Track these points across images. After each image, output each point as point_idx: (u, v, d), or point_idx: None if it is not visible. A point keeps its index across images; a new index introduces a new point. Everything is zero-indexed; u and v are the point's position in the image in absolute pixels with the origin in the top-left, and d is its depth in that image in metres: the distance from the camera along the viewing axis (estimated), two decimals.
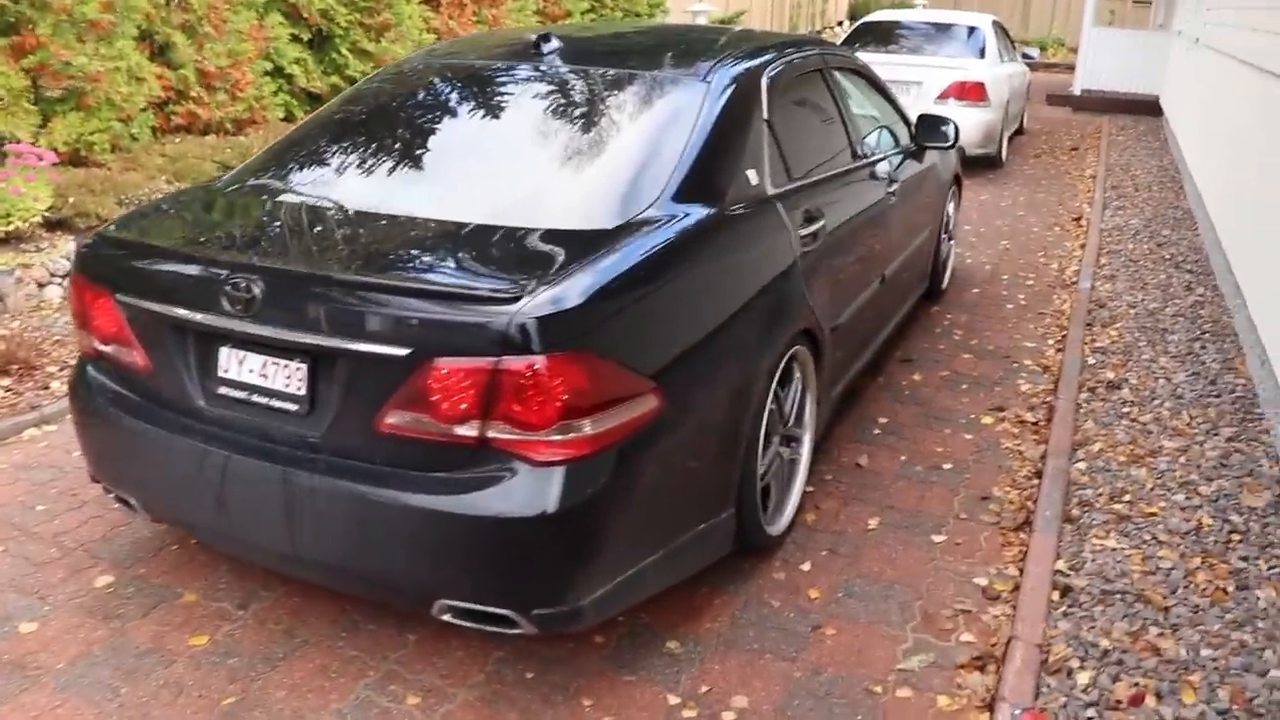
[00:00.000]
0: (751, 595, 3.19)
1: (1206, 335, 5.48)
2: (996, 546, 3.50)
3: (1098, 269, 6.77)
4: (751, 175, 3.19)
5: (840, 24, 25.77)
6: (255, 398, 2.66)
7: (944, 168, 5.66)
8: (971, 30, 10.45)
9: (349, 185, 3.17)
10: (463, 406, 2.37)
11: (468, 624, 2.59)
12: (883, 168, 4.42)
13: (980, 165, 10.38)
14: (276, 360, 2.61)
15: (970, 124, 9.56)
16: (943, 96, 9.61)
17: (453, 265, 2.61)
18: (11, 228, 5.69)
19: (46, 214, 5.92)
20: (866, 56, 10.13)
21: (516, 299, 2.34)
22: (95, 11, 6.40)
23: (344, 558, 2.62)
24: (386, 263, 2.63)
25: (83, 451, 3.16)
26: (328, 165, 3.29)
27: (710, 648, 2.95)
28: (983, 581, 3.28)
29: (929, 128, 5.01)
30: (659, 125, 3.17)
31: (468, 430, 2.40)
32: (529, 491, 2.40)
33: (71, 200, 6.09)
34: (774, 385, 3.16)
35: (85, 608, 3.10)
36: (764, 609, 3.13)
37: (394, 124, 3.43)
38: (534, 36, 3.66)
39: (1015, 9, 28.41)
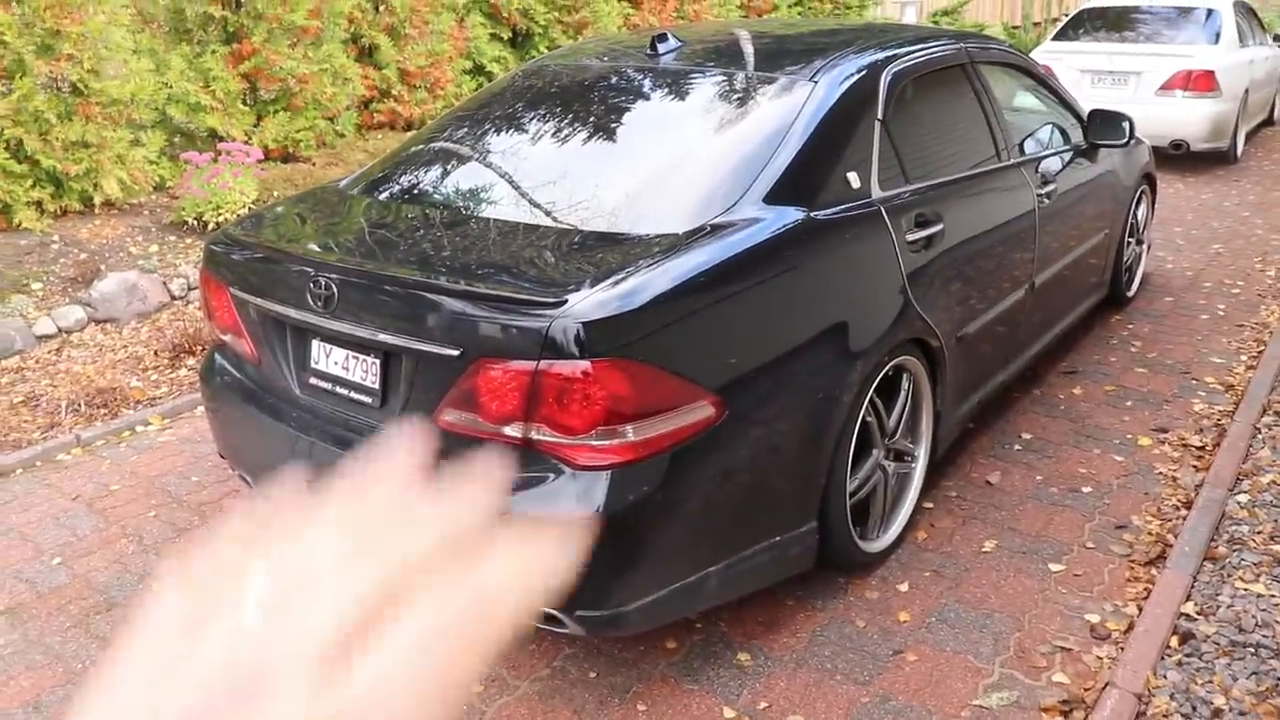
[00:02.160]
0: (837, 613, 3.07)
1: None
2: (1120, 581, 3.21)
3: None
4: (853, 178, 3.06)
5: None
6: (338, 389, 2.80)
7: (1128, 166, 5.22)
8: (1208, 13, 9.57)
9: (442, 187, 3.28)
10: (508, 408, 2.41)
11: None
12: (1035, 168, 4.13)
13: (1209, 161, 9.51)
14: (356, 354, 2.74)
15: (1196, 117, 8.80)
16: (1166, 87, 8.86)
17: (511, 267, 2.65)
18: (221, 218, 6.20)
19: (253, 206, 6.42)
20: (1083, 45, 9.56)
21: (561, 303, 2.35)
22: (304, 19, 6.87)
23: None
24: (449, 264, 2.69)
25: (211, 430, 3.41)
26: (430, 168, 3.41)
27: (781, 663, 2.86)
28: (1094, 618, 3.03)
29: (1101, 125, 4.64)
30: (753, 127, 3.08)
31: (513, 431, 2.43)
32: (570, 494, 2.40)
33: (275, 194, 6.57)
34: (870, 397, 3.02)
35: None
36: (847, 628, 3.00)
37: (496, 127, 3.50)
38: (651, 38, 3.64)
39: None
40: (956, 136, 3.75)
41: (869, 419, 3.09)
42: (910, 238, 3.18)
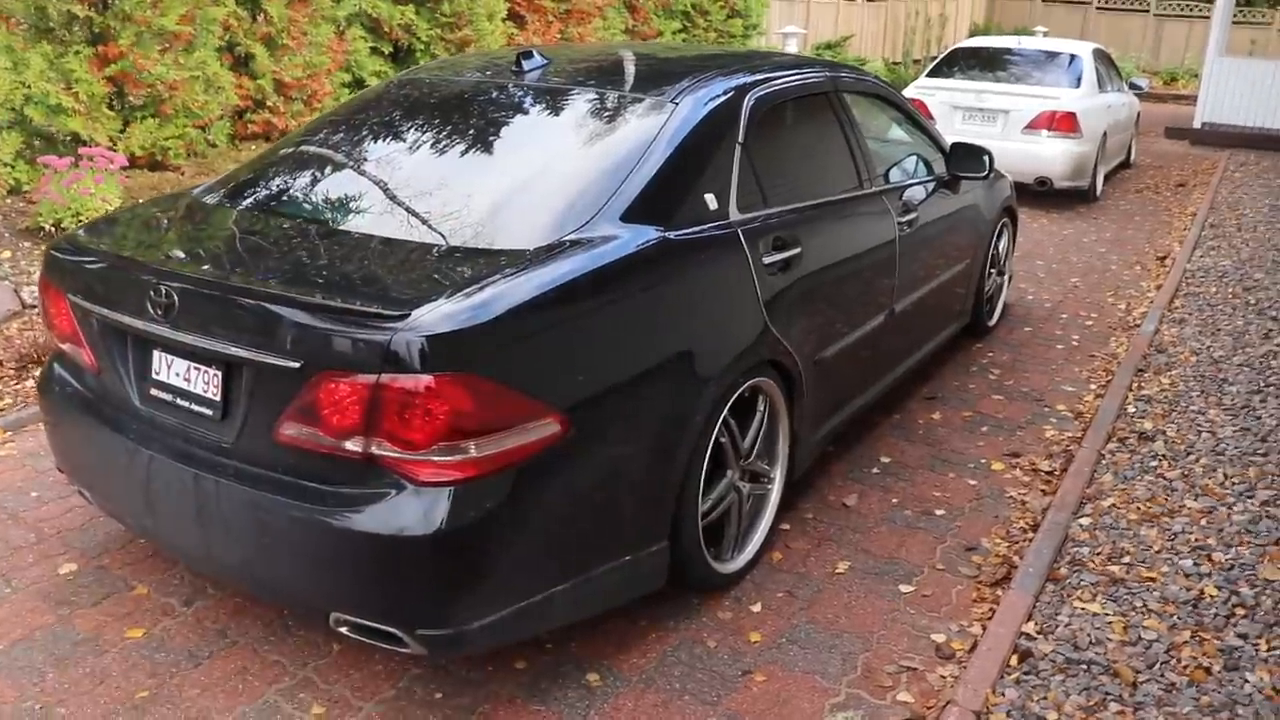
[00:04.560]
0: (689, 633, 3.05)
1: (1271, 388, 5.08)
2: (967, 602, 3.28)
3: (1169, 311, 6.37)
4: (710, 199, 3.07)
5: None
6: (179, 400, 2.68)
7: (990, 199, 5.39)
8: (1071, 58, 10.00)
9: (299, 196, 3.19)
10: (348, 422, 2.34)
11: (362, 639, 2.54)
12: (896, 198, 4.22)
13: (1072, 199, 9.91)
14: (197, 365, 2.63)
15: (1059, 156, 9.16)
16: (1031, 126, 9.21)
17: (354, 280, 2.57)
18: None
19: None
20: (955, 83, 9.89)
21: (403, 316, 2.29)
22: (175, 23, 6.65)
23: (247, 564, 2.60)
24: (295, 274, 2.60)
25: (49, 444, 3.23)
26: (290, 176, 3.31)
27: (630, 684, 2.83)
28: (940, 638, 3.07)
29: (963, 157, 4.77)
30: (612, 145, 3.07)
31: (354, 445, 2.36)
32: (412, 510, 2.34)
33: (140, 202, 6.32)
34: (724, 418, 3.02)
35: (42, 593, 3.17)
36: (698, 648, 2.99)
37: (362, 137, 3.42)
38: (516, 54, 3.62)
39: (1146, 38, 27.22)
40: (818, 162, 3.81)
41: (723, 440, 3.09)
42: (767, 260, 3.21)
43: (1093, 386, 5.15)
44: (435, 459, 2.32)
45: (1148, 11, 28.21)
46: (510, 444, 2.38)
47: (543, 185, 2.98)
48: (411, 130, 3.35)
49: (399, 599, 2.41)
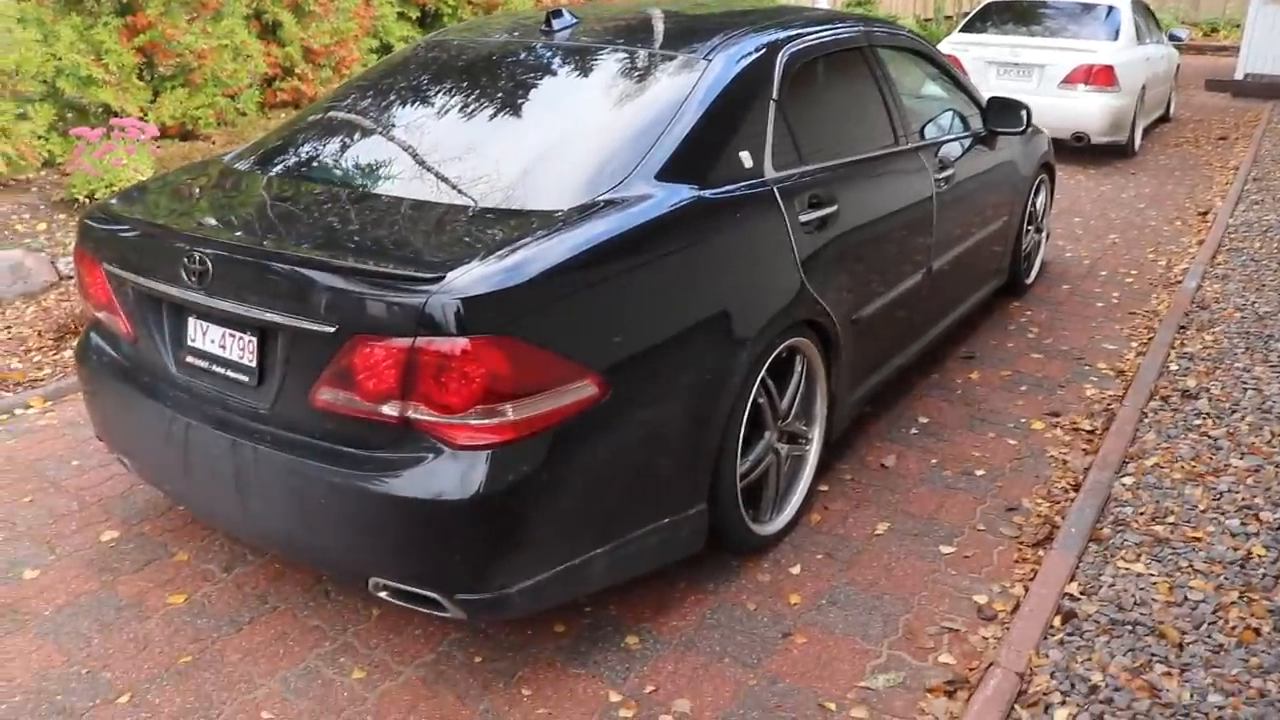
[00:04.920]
0: (728, 595, 3.03)
1: None
2: (1009, 562, 3.23)
3: (1210, 267, 6.23)
4: (745, 157, 3.01)
5: None
6: (215, 367, 2.68)
7: (1027, 155, 5.28)
8: (1109, 10, 9.77)
9: (331, 161, 3.16)
10: (384, 386, 2.32)
11: (402, 604, 2.54)
12: (933, 154, 4.14)
13: (1109, 154, 9.73)
14: (232, 332, 2.62)
15: (1097, 110, 8.98)
16: (1068, 81, 9.02)
17: (387, 243, 2.54)
18: None
19: None
20: (989, 38, 9.69)
21: (439, 279, 2.26)
22: None
23: (286, 530, 2.60)
24: (329, 239, 2.58)
25: (88, 412, 3.25)
26: (321, 141, 3.29)
27: (670, 647, 2.81)
28: (982, 599, 3.03)
29: (999, 112, 4.66)
30: (645, 104, 3.01)
31: (390, 410, 2.34)
32: (449, 475, 2.32)
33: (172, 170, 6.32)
34: (761, 379, 2.99)
35: (86, 559, 3.20)
36: (737, 610, 2.97)
37: (392, 101, 3.38)
38: (546, 14, 3.56)
39: None
40: (854, 119, 3.73)
41: (761, 401, 3.05)
42: (804, 219, 3.15)
43: (1134, 344, 5.06)
44: (472, 422, 2.29)
45: None
46: (547, 406, 2.35)
47: (575, 146, 2.93)
48: (440, 93, 3.31)
49: (438, 563, 2.40)
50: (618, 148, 2.84)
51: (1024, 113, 4.66)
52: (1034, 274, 5.86)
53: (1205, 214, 7.71)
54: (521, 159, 2.90)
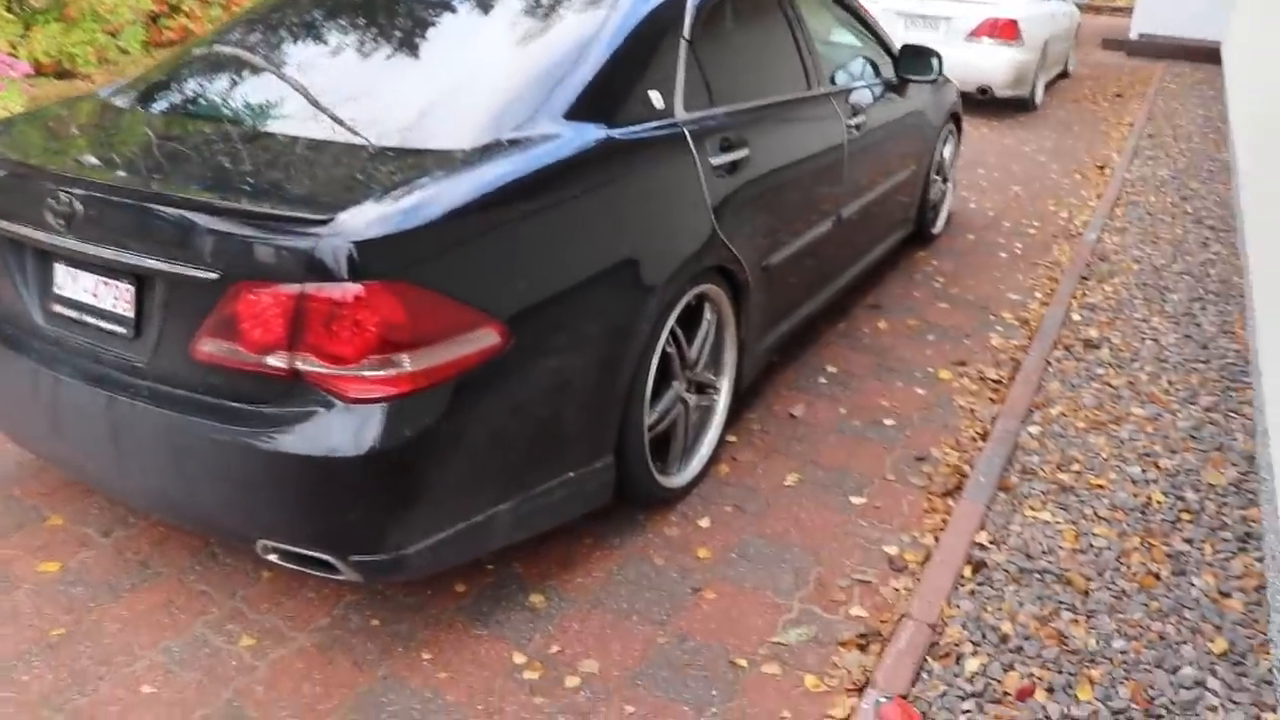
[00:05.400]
0: (635, 551, 2.94)
1: (1210, 295, 5.06)
2: (919, 513, 3.20)
3: (1109, 220, 6.32)
4: (656, 97, 2.88)
5: None
6: (87, 318, 2.47)
7: (936, 105, 5.24)
8: None
9: (215, 98, 2.93)
10: (271, 336, 2.14)
11: (293, 567, 2.38)
12: (845, 100, 4.06)
13: (1012, 108, 9.82)
14: (106, 280, 2.41)
15: (1001, 64, 9.04)
16: (974, 34, 9.05)
17: (274, 184, 2.35)
18: None
19: None
20: None
21: (327, 221, 2.09)
22: None
23: (168, 490, 2.41)
24: (210, 179, 2.37)
25: None
26: (205, 77, 3.05)
27: (575, 605, 2.71)
28: (893, 550, 3.00)
29: (911, 60, 4.61)
30: (553, 38, 2.85)
31: (277, 361, 2.17)
32: (341, 429, 2.16)
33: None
34: (670, 326, 2.88)
35: None
36: (645, 566, 2.88)
37: (282, 35, 3.14)
38: None
39: None
40: (766, 62, 3.62)
41: (670, 350, 2.95)
42: (715, 162, 3.03)
43: (1038, 294, 5.09)
44: (366, 374, 2.14)
45: None
46: (447, 356, 2.21)
47: (477, 82, 2.75)
48: (335, 27, 3.09)
49: (330, 524, 2.25)
50: (522, 85, 2.68)
51: (935, 61, 4.61)
52: (940, 224, 5.86)
53: (1103, 168, 7.82)
54: (421, 96, 2.71)
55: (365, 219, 2.10)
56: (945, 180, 5.80)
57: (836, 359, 4.24)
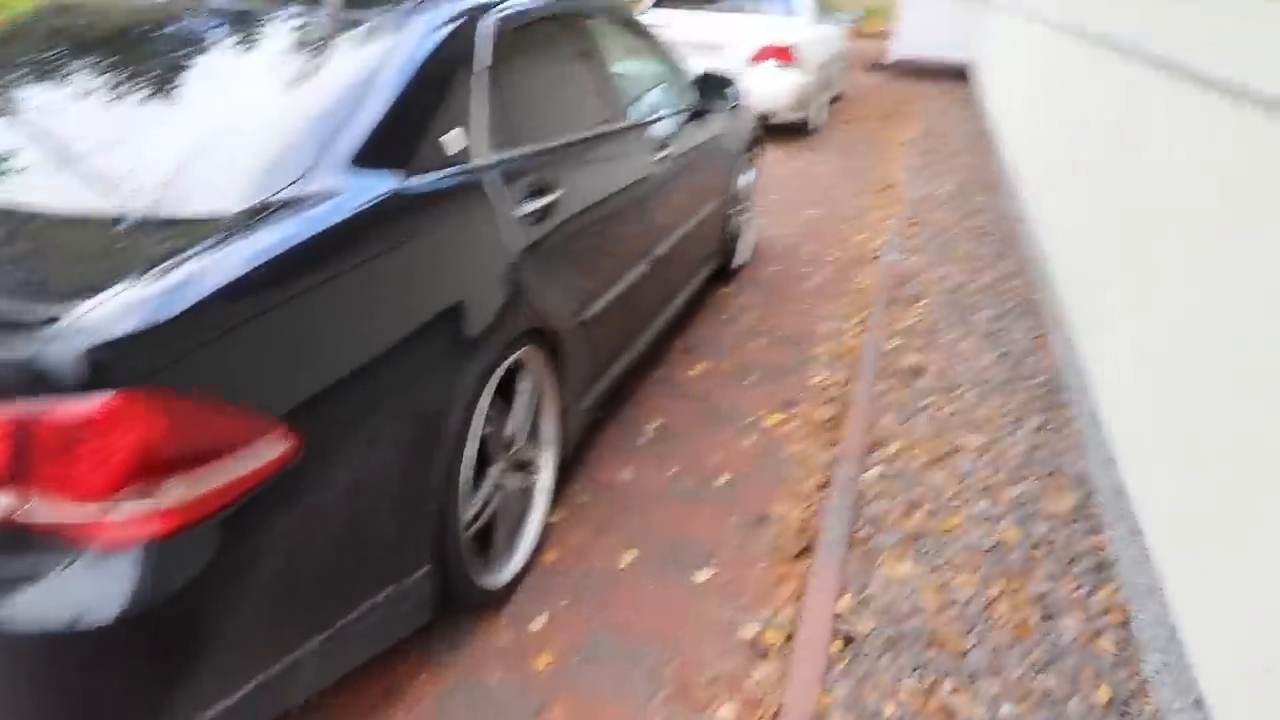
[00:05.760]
0: (466, 668, 2.58)
1: (1013, 311, 5.17)
2: (771, 583, 2.99)
3: (904, 240, 6.43)
4: (453, 138, 2.56)
5: None
6: None
7: (735, 133, 5.14)
8: None
9: None
10: None
11: None
12: (650, 132, 3.86)
13: (794, 132, 10.03)
14: None
15: (781, 88, 9.19)
16: (755, 58, 9.18)
17: None
18: None
19: None
20: (680, 14, 9.68)
21: (52, 321, 1.65)
22: None
23: None
24: None
25: None
26: None
27: None
28: (750, 632, 2.76)
29: (711, 88, 4.48)
30: (328, 79, 2.47)
31: None
32: (90, 588, 1.71)
33: None
34: (486, 402, 2.55)
35: None
36: (478, 687, 2.52)
37: (5, 85, 2.63)
38: None
39: None
40: (572, 95, 3.35)
41: (487, 430, 2.62)
42: (521, 211, 2.74)
43: (850, 323, 5.04)
44: (117, 514, 1.71)
45: None
46: (225, 477, 1.80)
47: (244, 133, 2.32)
48: (72, 73, 2.60)
49: (86, 707, 1.79)
50: (297, 134, 2.28)
51: (733, 88, 4.49)
52: (741, 256, 5.77)
53: (890, 187, 8.02)
54: (176, 153, 2.26)
55: (103, 314, 1.68)
56: (745, 210, 5.72)
57: (658, 411, 4.01)
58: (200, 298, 1.79)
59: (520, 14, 3.06)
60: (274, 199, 2.11)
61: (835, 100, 12.26)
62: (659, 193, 3.84)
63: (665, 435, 3.83)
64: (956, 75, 14.94)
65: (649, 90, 4.15)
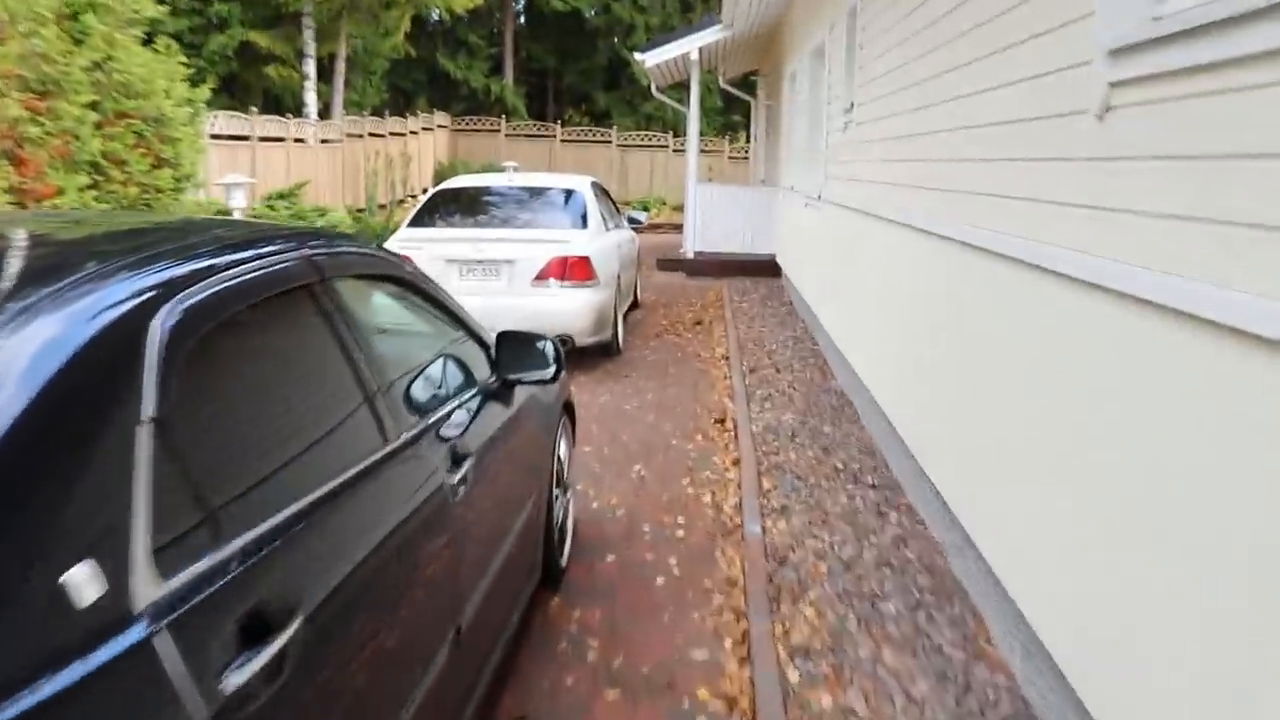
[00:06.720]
0: None
1: (930, 598, 4.30)
2: None
3: (763, 499, 5.54)
4: (83, 577, 1.42)
5: (425, 191, 24.99)
6: None
7: (546, 395, 4.18)
8: (569, 194, 9.44)
9: None
10: None
11: None
12: (439, 441, 2.81)
13: (594, 355, 9.19)
14: None
15: (579, 308, 8.40)
16: (541, 277, 8.37)
17: None
18: None
19: None
20: (445, 231, 8.83)
21: None
22: None
23: None
24: None
25: None
26: None
27: None
28: None
29: (513, 352, 3.51)
30: None
31: None
32: None
33: None
34: None
35: None
36: None
37: None
38: None
39: (613, 168, 29.11)
40: (310, 419, 2.27)
41: None
42: (229, 679, 1.60)
43: (728, 644, 4.00)
44: None
45: (610, 143, 30.39)
46: None
47: None
48: None
49: None
50: None
51: (549, 348, 3.54)
52: (567, 553, 4.68)
53: (722, 421, 7.23)
54: None
55: None
56: (566, 490, 4.71)
57: None
58: None
59: (218, 298, 1.95)
60: None
61: (633, 309, 11.62)
62: (462, 528, 2.77)
63: None
64: (761, 269, 14.77)
65: (431, 374, 3.09)
